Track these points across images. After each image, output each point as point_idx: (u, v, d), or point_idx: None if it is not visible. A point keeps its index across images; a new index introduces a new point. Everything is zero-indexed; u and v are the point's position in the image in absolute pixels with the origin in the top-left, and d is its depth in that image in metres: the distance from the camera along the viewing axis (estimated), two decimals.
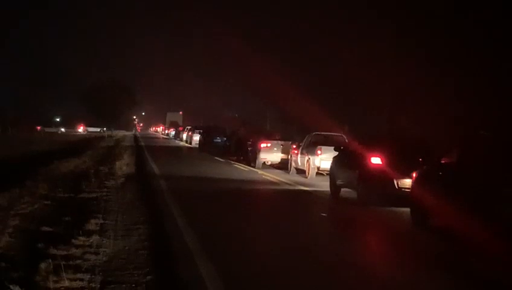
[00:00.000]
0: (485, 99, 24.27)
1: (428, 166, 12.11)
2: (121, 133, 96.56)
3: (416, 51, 28.79)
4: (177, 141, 65.71)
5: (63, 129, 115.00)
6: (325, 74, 37.42)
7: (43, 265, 6.74)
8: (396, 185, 14.12)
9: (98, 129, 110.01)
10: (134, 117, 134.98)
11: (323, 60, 36.97)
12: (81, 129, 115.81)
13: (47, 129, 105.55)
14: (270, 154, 27.11)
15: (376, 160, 14.73)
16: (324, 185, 18.36)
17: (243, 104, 64.75)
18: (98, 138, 65.96)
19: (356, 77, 31.56)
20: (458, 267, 8.37)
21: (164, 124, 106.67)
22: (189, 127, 61.52)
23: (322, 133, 24.04)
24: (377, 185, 14.42)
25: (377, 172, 14.50)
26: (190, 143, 54.26)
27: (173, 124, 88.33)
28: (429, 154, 13.49)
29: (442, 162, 11.38)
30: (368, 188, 14.69)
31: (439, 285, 7.29)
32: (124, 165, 22.48)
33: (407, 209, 12.34)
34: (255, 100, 55.85)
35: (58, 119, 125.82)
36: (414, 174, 12.37)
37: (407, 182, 13.46)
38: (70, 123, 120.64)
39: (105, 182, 16.50)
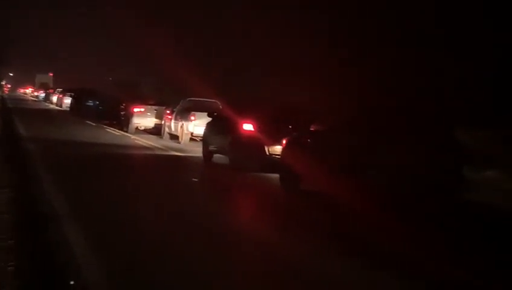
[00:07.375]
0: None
1: (297, 133, 12.48)
2: None
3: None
4: (47, 104, 63.36)
5: None
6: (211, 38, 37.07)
7: None
8: (267, 151, 14.47)
9: None
10: None
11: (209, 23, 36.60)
12: None
13: None
14: (144, 119, 26.78)
15: (248, 126, 15.00)
16: (197, 150, 18.44)
17: (120, 68, 63.36)
18: None
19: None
20: (326, 226, 8.77)
21: (33, 85, 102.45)
22: (60, 90, 59.52)
23: (196, 99, 24.00)
24: (249, 151, 14.71)
25: (248, 138, 14.78)
26: (61, 106, 52.67)
27: (43, 86, 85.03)
28: (299, 123, 13.89)
29: (312, 129, 11.78)
30: (239, 153, 14.97)
31: (310, 245, 7.58)
32: None
33: (278, 175, 12.69)
34: (132, 64, 54.75)
35: None
36: (284, 141, 12.71)
37: (277, 149, 13.80)
38: None
39: None
